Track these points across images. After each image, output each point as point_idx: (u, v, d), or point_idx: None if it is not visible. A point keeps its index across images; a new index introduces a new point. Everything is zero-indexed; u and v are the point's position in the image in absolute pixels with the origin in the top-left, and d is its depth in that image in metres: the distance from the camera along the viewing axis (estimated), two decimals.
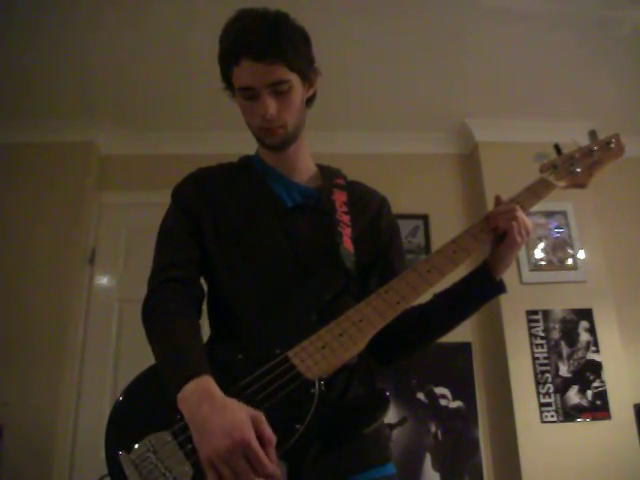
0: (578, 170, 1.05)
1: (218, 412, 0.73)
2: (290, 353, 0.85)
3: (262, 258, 1.00)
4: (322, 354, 0.84)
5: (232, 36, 0.97)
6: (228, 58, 0.98)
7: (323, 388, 0.82)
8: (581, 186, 1.07)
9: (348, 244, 1.01)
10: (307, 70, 1.02)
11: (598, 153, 1.07)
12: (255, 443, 0.69)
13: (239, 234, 1.02)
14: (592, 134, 1.10)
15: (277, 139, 1.03)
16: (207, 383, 0.78)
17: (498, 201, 1.01)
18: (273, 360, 0.84)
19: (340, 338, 0.85)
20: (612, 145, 1.08)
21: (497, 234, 0.97)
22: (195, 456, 0.76)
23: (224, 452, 0.69)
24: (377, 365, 1.09)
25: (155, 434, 0.79)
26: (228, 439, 0.69)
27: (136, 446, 0.78)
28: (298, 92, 1.01)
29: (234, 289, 1.00)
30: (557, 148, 1.09)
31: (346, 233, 1.02)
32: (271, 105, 0.97)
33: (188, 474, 0.76)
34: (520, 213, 0.96)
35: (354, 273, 0.98)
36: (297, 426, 0.79)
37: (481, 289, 1.00)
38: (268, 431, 0.72)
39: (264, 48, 0.94)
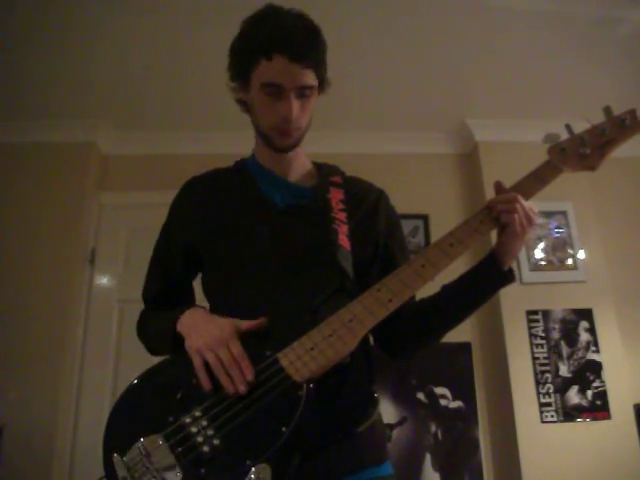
0: (588, 152, 0.98)
1: (209, 321, 0.92)
2: (279, 355, 0.84)
3: (250, 261, 1.01)
4: (311, 355, 0.83)
5: (268, 30, 0.96)
6: (258, 51, 0.96)
7: (311, 391, 0.82)
8: (591, 169, 1.00)
9: (344, 242, 1.00)
10: (325, 79, 1.04)
11: (611, 131, 0.99)
12: (236, 338, 0.86)
13: (229, 239, 1.03)
14: (607, 110, 1.01)
15: (290, 141, 1.03)
16: (196, 308, 0.99)
17: (498, 188, 0.97)
18: (263, 362, 0.85)
19: (330, 339, 0.84)
20: (627, 122, 0.99)
21: (500, 224, 0.93)
22: (185, 459, 0.79)
23: (211, 342, 0.86)
24: (390, 359, 1.09)
25: (147, 437, 0.81)
26: (216, 334, 0.87)
27: (129, 449, 0.80)
28: (315, 99, 1.03)
29: (227, 293, 1.02)
30: (568, 128, 1.02)
31: (342, 231, 1.01)
32: (296, 107, 0.97)
33: (177, 477, 0.78)
34: (520, 204, 0.92)
35: (350, 271, 0.97)
36: (283, 429, 0.79)
37: (489, 280, 0.99)
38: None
39: (303, 51, 0.95)
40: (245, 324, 0.88)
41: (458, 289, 1.01)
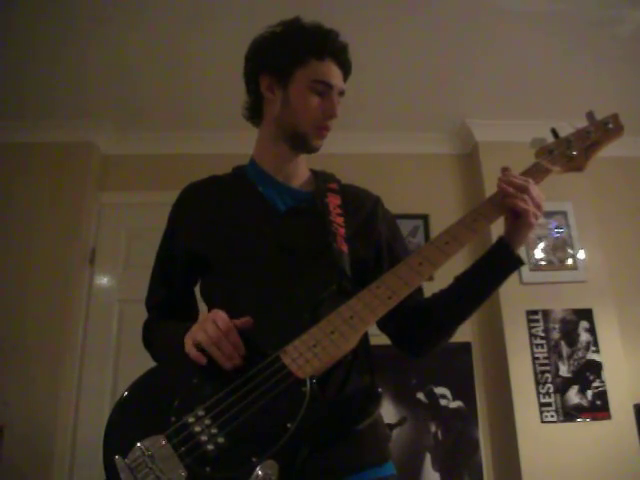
0: (574, 153, 1.02)
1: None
2: (281, 353, 0.85)
3: (253, 262, 1.02)
4: (313, 352, 0.84)
5: (323, 35, 1.07)
6: (310, 50, 1.05)
7: (315, 387, 0.82)
8: (578, 170, 1.03)
9: (341, 244, 1.01)
10: None
11: (595, 134, 1.03)
12: (221, 315, 0.88)
13: (231, 242, 1.04)
14: (590, 115, 1.05)
15: (321, 143, 1.09)
16: None
17: (505, 173, 0.99)
18: (265, 360, 0.85)
19: (331, 335, 0.85)
20: (610, 125, 1.03)
21: (512, 212, 0.95)
22: (189, 458, 0.78)
23: (200, 324, 0.89)
24: (410, 356, 1.11)
25: (150, 438, 0.80)
26: (207, 316, 0.90)
27: (131, 451, 0.79)
28: None
29: (228, 294, 1.03)
30: (554, 132, 1.06)
31: (340, 234, 1.03)
32: (338, 108, 1.06)
33: (182, 477, 0.77)
34: (531, 193, 0.93)
35: (348, 272, 0.99)
36: (288, 425, 0.79)
37: (502, 264, 1.00)
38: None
39: (346, 61, 1.11)
40: (234, 321, 0.89)
41: (472, 276, 1.03)
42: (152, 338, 1.12)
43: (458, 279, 1.05)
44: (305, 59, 1.05)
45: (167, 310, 1.14)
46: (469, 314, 1.04)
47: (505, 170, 0.99)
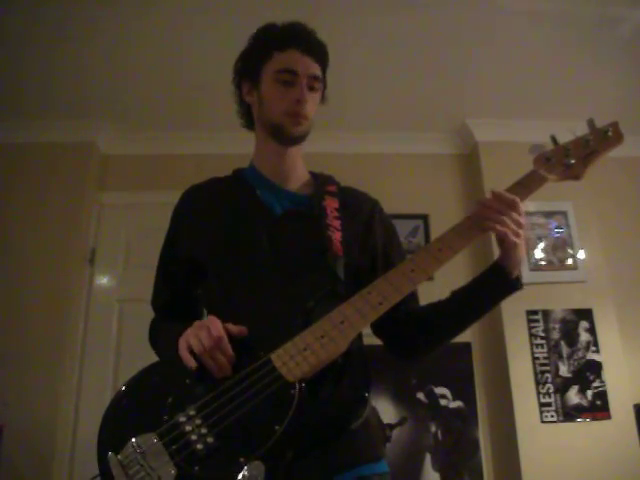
0: (572, 162, 1.01)
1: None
2: (272, 355, 0.86)
3: (248, 266, 1.03)
4: (303, 356, 0.85)
5: (281, 29, 1.09)
6: (271, 45, 1.07)
7: (303, 390, 0.83)
8: (576, 178, 1.02)
9: (337, 248, 1.02)
10: (325, 85, 1.14)
11: (594, 143, 1.02)
12: (218, 323, 0.89)
13: (228, 247, 1.06)
14: (590, 123, 1.04)
15: (300, 130, 1.08)
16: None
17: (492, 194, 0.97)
18: (256, 362, 0.86)
19: (321, 340, 0.86)
20: (609, 133, 1.02)
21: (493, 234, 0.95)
22: (179, 456, 0.80)
23: (195, 329, 0.90)
24: (400, 361, 1.13)
25: (142, 435, 0.82)
26: (201, 323, 0.91)
27: (123, 447, 0.81)
28: (319, 97, 1.12)
29: (223, 295, 1.05)
30: (553, 139, 1.05)
31: (336, 237, 1.04)
32: (306, 93, 1.06)
33: (172, 474, 0.79)
34: (510, 216, 0.92)
35: (342, 276, 0.99)
36: (276, 427, 0.80)
37: (496, 288, 1.00)
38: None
39: (312, 45, 1.09)
40: (229, 326, 0.90)
41: (466, 296, 1.03)
42: (156, 338, 1.14)
43: (455, 294, 1.05)
44: (268, 54, 1.08)
45: (171, 311, 1.16)
46: (464, 328, 1.05)
47: (494, 194, 0.96)
